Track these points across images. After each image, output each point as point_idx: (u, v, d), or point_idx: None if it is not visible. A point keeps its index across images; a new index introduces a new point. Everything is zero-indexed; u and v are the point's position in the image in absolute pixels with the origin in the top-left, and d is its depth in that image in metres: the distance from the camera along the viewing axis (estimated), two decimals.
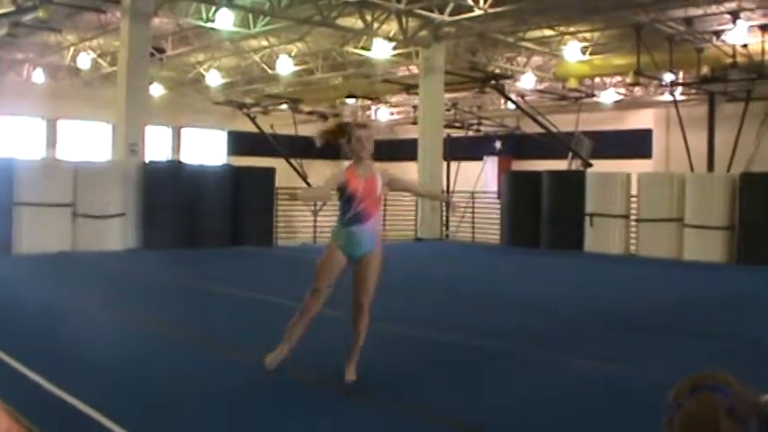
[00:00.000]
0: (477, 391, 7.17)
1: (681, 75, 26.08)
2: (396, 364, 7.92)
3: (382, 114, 37.89)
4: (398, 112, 38.21)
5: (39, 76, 31.74)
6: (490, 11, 21.02)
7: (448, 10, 21.95)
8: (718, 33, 22.36)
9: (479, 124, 34.72)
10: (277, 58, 28.25)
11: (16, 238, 18.51)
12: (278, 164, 25.73)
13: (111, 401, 6.33)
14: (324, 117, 34.77)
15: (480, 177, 32.51)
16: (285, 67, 27.93)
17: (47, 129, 34.85)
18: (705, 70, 24.05)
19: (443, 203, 6.27)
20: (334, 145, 7.33)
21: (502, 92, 27.81)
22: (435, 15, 22.27)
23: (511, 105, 30.49)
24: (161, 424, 5.97)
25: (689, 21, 21.47)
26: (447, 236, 26.23)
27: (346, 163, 7.15)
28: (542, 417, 6.41)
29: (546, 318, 11.31)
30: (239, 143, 38.00)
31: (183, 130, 38.84)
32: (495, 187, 30.73)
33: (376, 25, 22.67)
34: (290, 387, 7.00)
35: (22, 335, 8.97)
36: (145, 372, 7.56)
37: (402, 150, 32.25)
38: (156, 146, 32.09)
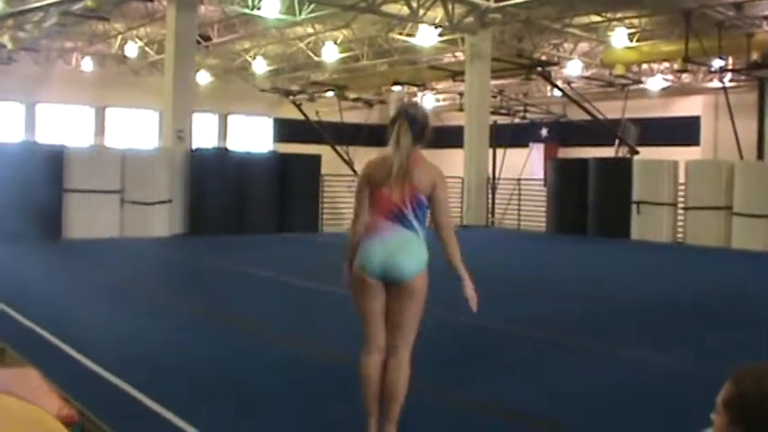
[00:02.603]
0: (527, 380, 7.16)
1: (730, 61, 25.72)
2: (445, 352, 7.92)
3: (428, 101, 37.82)
4: (444, 99, 38.11)
5: (87, 64, 32.06)
6: None
7: None
8: None
9: (525, 111, 34.48)
10: (322, 45, 28.28)
11: (65, 224, 18.76)
12: (324, 151, 25.81)
13: (158, 385, 6.42)
14: (369, 104, 34.79)
15: (526, 164, 32.37)
16: (330, 54, 27.95)
17: (95, 116, 35.19)
18: (755, 56, 23.69)
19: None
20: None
21: (548, 79, 27.62)
22: (481, 1, 22.12)
23: (557, 92, 30.29)
24: (205, 408, 6.02)
25: (739, 6, 21.17)
26: (492, 223, 26.16)
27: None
28: (593, 407, 6.38)
29: (594, 306, 11.25)
30: (285, 130, 38.10)
31: (229, 118, 39.04)
32: (541, 174, 30.57)
33: (422, 12, 22.58)
34: (340, 374, 7.04)
35: (73, 321, 9.08)
36: (191, 357, 7.63)
37: (448, 137, 32.13)
38: (203, 133, 32.33)
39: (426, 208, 5.05)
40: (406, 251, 4.96)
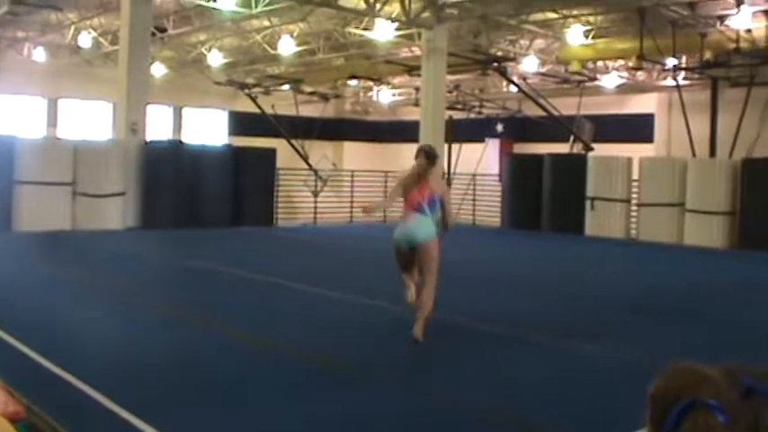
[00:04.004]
0: (479, 374, 7.18)
1: (684, 59, 25.96)
2: (401, 347, 7.92)
3: (384, 96, 37.80)
4: (400, 94, 38.09)
5: (39, 54, 31.63)
6: None
7: None
8: (721, 18, 22.26)
9: (481, 106, 34.56)
10: (279, 38, 28.12)
11: (16, 215, 18.53)
12: (279, 144, 25.71)
13: (110, 381, 6.34)
14: (325, 98, 34.68)
15: (481, 160, 32.43)
16: (287, 47, 27.81)
17: (47, 107, 34.74)
18: (708, 55, 23.91)
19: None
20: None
21: (504, 74, 27.70)
22: None
23: (513, 88, 30.37)
24: (157, 402, 5.96)
25: (692, 5, 21.36)
26: None
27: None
28: (550, 400, 6.40)
29: (547, 301, 11.32)
30: (240, 123, 37.86)
31: (184, 110, 38.72)
32: (496, 170, 30.66)
33: (378, 6, 22.54)
34: (294, 369, 7.02)
35: (21, 313, 8.96)
36: (145, 352, 7.56)
37: (403, 132, 32.17)
38: (157, 125, 32.03)
39: (437, 203, 8.33)
40: (420, 227, 8.25)
